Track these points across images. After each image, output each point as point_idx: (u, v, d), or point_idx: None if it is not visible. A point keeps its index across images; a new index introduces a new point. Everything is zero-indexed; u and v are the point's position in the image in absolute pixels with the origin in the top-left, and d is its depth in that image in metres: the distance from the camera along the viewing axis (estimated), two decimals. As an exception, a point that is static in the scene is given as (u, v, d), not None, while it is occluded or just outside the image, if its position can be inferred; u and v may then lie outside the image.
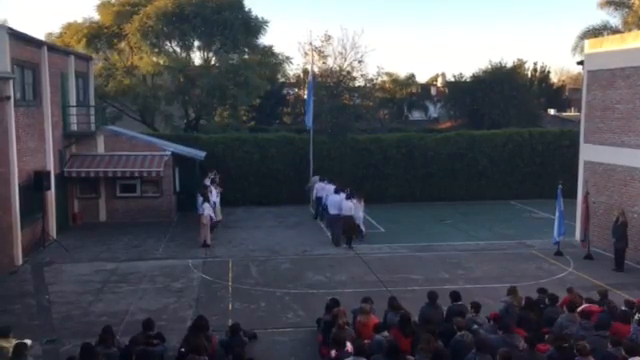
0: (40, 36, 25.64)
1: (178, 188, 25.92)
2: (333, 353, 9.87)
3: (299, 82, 41.69)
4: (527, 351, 9.27)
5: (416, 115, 47.50)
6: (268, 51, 33.71)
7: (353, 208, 20.80)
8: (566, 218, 19.69)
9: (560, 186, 19.59)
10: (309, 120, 26.55)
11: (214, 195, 22.37)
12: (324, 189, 23.95)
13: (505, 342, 9.42)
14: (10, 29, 18.50)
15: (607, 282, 15.98)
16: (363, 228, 21.73)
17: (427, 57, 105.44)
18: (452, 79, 44.24)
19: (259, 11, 78.31)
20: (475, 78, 40.24)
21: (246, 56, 32.93)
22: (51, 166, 21.23)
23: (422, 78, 52.54)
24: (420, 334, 9.93)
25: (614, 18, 33.96)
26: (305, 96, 30.29)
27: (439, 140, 29.52)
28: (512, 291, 12.03)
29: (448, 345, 9.78)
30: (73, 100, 24.12)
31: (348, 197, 21.07)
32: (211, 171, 25.05)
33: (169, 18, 30.52)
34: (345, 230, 20.62)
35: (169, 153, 24.28)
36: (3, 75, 17.46)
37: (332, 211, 21.03)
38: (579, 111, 23.41)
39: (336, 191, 21.82)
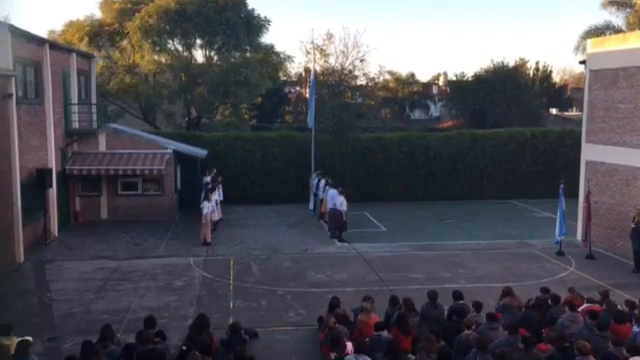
0: (42, 34, 25.68)
1: (179, 186, 25.95)
2: (332, 356, 9.88)
3: (301, 81, 41.68)
4: (525, 351, 9.26)
5: (418, 114, 47.50)
6: (270, 49, 33.72)
7: (345, 203, 21.31)
8: (568, 218, 19.67)
9: (562, 186, 19.57)
10: (311, 120, 26.56)
11: (215, 194, 22.35)
12: (312, 185, 25.41)
13: (509, 343, 9.40)
14: (12, 27, 18.50)
15: (609, 282, 15.96)
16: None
17: (429, 56, 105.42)
18: (454, 78, 44.22)
19: (261, 9, 78.29)
20: (477, 77, 40.21)
21: (248, 54, 32.94)
22: (53, 164, 21.24)
23: (424, 77, 52.58)
24: (421, 333, 9.94)
25: (617, 18, 33.92)
26: (307, 95, 30.27)
27: (441, 139, 29.51)
28: (508, 292, 12.01)
29: (451, 343, 9.79)
30: (75, 98, 24.12)
31: (341, 192, 21.63)
32: (210, 170, 25.08)
33: (171, 16, 30.52)
34: (336, 224, 21.26)
35: (170, 151, 24.29)
36: (5, 73, 17.48)
37: (330, 205, 21.87)
38: (581, 111, 23.41)
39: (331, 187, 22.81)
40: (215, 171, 25.10)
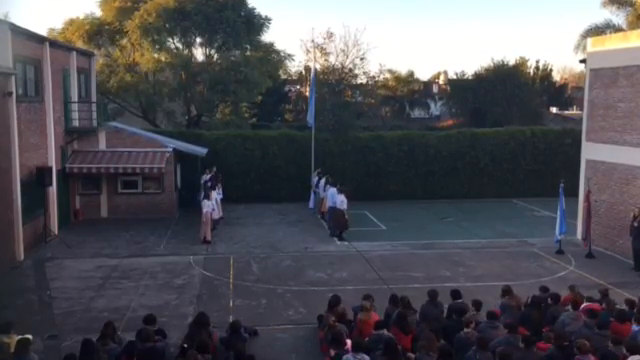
0: (42, 32, 25.69)
1: (179, 185, 25.95)
2: (332, 353, 9.91)
3: (301, 79, 41.66)
4: (524, 350, 9.26)
5: (418, 113, 47.48)
6: (270, 48, 33.70)
7: (345, 202, 21.26)
8: (568, 216, 19.68)
9: (562, 184, 19.57)
10: (311, 118, 26.56)
11: (215, 193, 22.32)
12: (313, 184, 25.71)
13: (509, 342, 9.40)
14: (12, 25, 18.49)
15: (608, 281, 15.97)
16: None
17: (429, 55, 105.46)
18: (454, 77, 44.19)
19: (261, 8, 78.27)
20: (477, 76, 40.19)
21: (248, 53, 32.93)
22: (53, 162, 21.24)
23: (424, 76, 52.57)
24: (421, 332, 9.95)
25: (617, 17, 33.86)
26: (307, 93, 30.27)
27: (441, 138, 29.50)
28: (508, 291, 12.00)
29: (451, 342, 9.79)
30: (75, 96, 24.11)
31: (340, 191, 21.60)
32: (210, 169, 25.09)
33: (170, 15, 30.51)
34: (336, 223, 21.27)
35: (171, 149, 24.28)
36: (5, 71, 17.47)
37: (329, 204, 21.87)
38: (581, 109, 23.40)
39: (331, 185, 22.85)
40: (215, 169, 25.12)
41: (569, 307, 11.15)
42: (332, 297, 12.09)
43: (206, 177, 24.20)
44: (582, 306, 11.28)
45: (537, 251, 19.61)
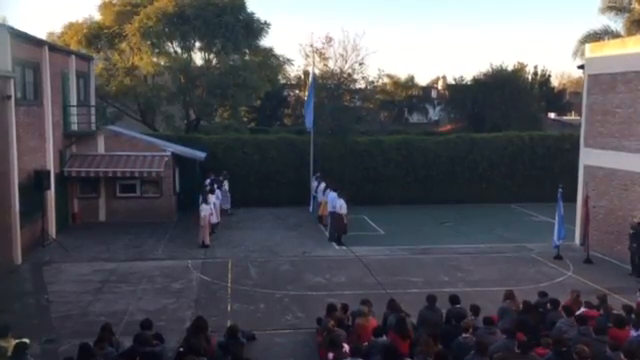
0: (41, 35, 25.69)
1: (178, 188, 25.94)
2: (331, 356, 9.90)
3: (300, 84, 41.71)
4: (522, 355, 9.24)
5: (416, 117, 47.52)
6: (269, 52, 33.74)
7: (345, 206, 21.28)
8: (566, 222, 19.69)
9: (560, 190, 19.58)
10: (309, 122, 26.58)
11: (214, 197, 22.30)
12: (312, 188, 25.83)
13: (506, 347, 9.39)
14: (11, 28, 18.53)
15: (606, 286, 15.98)
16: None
17: (428, 59, 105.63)
18: (453, 82, 44.22)
19: (260, 12, 78.49)
20: (476, 81, 40.21)
21: (247, 57, 32.97)
22: (51, 166, 21.23)
23: (423, 80, 52.62)
24: (419, 337, 9.94)
25: (615, 23, 33.94)
26: (306, 97, 30.33)
27: (439, 143, 29.53)
28: (509, 295, 12.01)
29: (449, 347, 9.79)
30: (74, 100, 24.12)
31: (340, 195, 21.61)
32: (219, 172, 25.15)
33: (170, 19, 30.55)
34: (336, 228, 21.29)
35: (169, 153, 24.29)
36: (4, 74, 17.47)
37: (330, 208, 21.86)
38: (579, 115, 23.40)
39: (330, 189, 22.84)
40: (224, 172, 25.26)
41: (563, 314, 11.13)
42: (342, 305, 12.04)
43: (207, 181, 24.18)
44: (578, 312, 11.27)
45: (535, 256, 19.61)
